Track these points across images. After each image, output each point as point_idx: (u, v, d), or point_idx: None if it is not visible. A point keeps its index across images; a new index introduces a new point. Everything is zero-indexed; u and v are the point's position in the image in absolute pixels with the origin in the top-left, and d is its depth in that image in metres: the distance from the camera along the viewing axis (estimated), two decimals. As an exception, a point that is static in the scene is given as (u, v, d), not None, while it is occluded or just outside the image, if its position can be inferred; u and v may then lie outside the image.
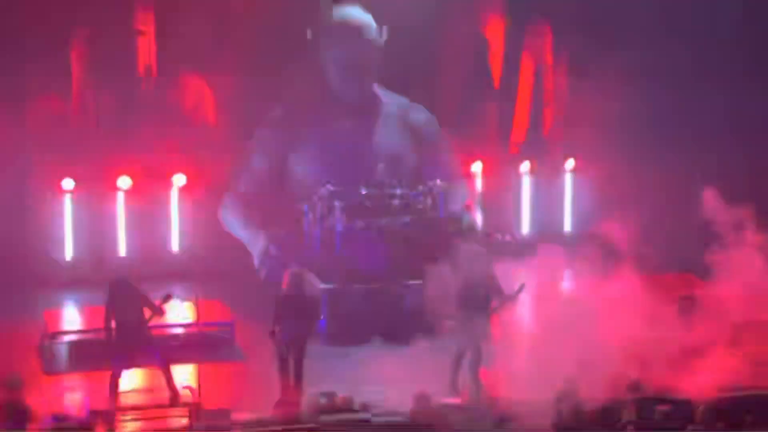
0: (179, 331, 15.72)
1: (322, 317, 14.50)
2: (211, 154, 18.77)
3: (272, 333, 14.12)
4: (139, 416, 13.73)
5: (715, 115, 19.94)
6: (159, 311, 13.76)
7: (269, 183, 18.48)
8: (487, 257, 15.59)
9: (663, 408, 12.87)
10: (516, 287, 15.08)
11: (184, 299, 15.80)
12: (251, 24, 18.52)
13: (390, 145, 18.73)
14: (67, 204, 18.32)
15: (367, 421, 13.55)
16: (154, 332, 14.00)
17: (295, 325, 14.16)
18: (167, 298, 13.70)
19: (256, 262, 17.84)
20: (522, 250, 18.54)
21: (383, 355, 16.12)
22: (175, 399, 13.82)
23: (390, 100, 19.12)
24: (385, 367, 15.62)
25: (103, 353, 14.24)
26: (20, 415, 13.26)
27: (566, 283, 17.27)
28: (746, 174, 18.44)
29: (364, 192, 17.71)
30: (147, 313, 13.74)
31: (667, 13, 19.56)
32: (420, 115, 19.26)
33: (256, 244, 17.85)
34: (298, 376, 14.29)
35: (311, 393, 14.10)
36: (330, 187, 17.74)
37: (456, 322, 14.79)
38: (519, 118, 20.39)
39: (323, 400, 13.88)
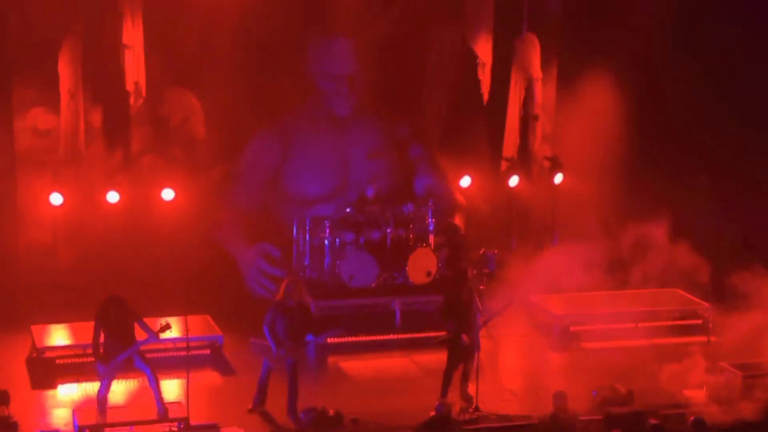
0: (168, 346, 15.66)
1: (315, 327, 14.43)
2: (200, 168, 18.75)
3: (276, 344, 14.08)
4: (128, 431, 13.68)
5: (702, 130, 20.01)
6: (154, 337, 13.72)
7: (260, 198, 18.48)
8: (473, 273, 15.63)
9: (654, 422, 12.85)
10: (504, 303, 15.14)
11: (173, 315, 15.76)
12: (240, 37, 18.51)
13: (380, 159, 18.77)
14: (55, 219, 18.28)
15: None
16: (143, 347, 13.94)
17: (291, 333, 14.14)
18: (165, 327, 13.67)
19: (245, 276, 17.83)
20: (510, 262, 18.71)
21: (374, 369, 16.21)
22: (163, 414, 13.78)
23: (380, 114, 19.17)
24: (376, 381, 15.70)
25: (90, 368, 14.20)
26: (8, 430, 13.23)
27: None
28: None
29: (353, 206, 17.76)
30: (142, 334, 13.69)
31: (657, 29, 19.64)
32: (409, 129, 19.32)
33: (246, 258, 17.83)
34: (294, 382, 14.25)
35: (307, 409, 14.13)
36: (320, 201, 17.83)
37: (447, 337, 14.77)
38: (508, 132, 20.41)
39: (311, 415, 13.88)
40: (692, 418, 12.96)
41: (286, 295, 14.24)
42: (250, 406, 14.34)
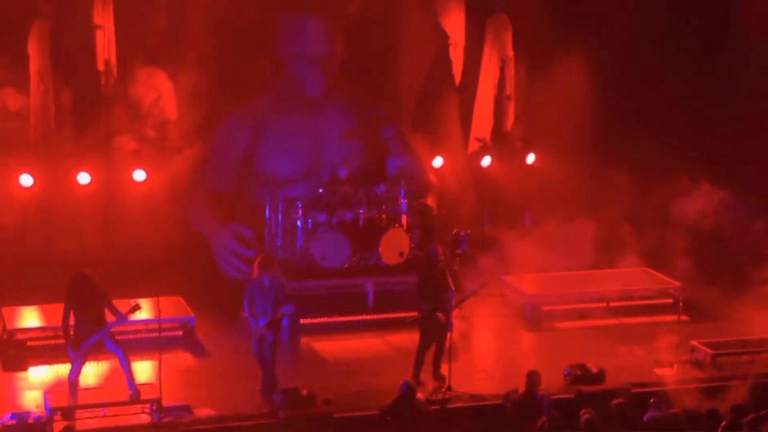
0: (140, 327, 15.63)
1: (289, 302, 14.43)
2: (172, 149, 18.68)
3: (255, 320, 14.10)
4: (100, 413, 13.66)
5: (672, 112, 20.11)
6: (123, 318, 13.66)
7: (232, 179, 18.44)
8: (445, 255, 15.65)
9: (618, 401, 12.92)
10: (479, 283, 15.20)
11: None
12: (211, 18, 18.43)
13: (352, 139, 18.75)
14: (25, 200, 18.19)
15: (328, 415, 13.57)
16: (115, 329, 13.90)
17: (267, 309, 14.14)
18: (135, 308, 13.61)
19: (218, 257, 17.80)
20: (483, 242, 18.79)
21: (347, 349, 16.23)
22: (136, 396, 13.76)
23: (352, 96, 19.15)
24: (349, 361, 15.73)
25: (62, 350, 14.16)
26: (-21, 413, 13.20)
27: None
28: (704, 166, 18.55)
29: (325, 186, 17.74)
30: (109, 316, 13.64)
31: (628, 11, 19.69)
32: (381, 110, 19.31)
33: (219, 240, 17.80)
34: (273, 357, 14.26)
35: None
36: (292, 182, 17.81)
37: (420, 317, 14.81)
38: (480, 112, 20.42)
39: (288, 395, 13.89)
40: (651, 399, 13.05)
41: (260, 272, 14.23)
42: (259, 386, 14.30)
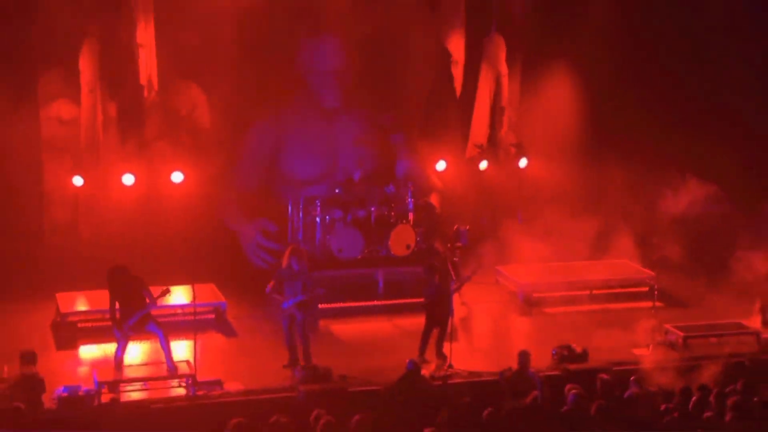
0: (177, 311, 15.59)
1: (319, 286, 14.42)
2: (206, 153, 18.64)
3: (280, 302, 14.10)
4: (142, 386, 13.64)
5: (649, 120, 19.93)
6: (154, 302, 13.65)
7: (258, 180, 18.39)
8: (445, 247, 15.61)
9: (604, 377, 12.85)
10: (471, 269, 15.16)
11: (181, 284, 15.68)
12: (240, 37, 18.37)
13: (364, 145, 18.69)
14: (76, 198, 18.15)
15: (343, 389, 13.51)
16: (155, 312, 13.88)
17: (296, 292, 14.10)
18: (165, 292, 13.61)
19: (246, 249, 17.76)
20: (481, 236, 18.70)
21: (360, 331, 16.19)
22: (173, 371, 13.72)
23: (364, 106, 19.08)
24: (362, 342, 15.68)
25: (108, 331, 14.14)
26: (36, 386, 13.16)
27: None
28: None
29: (341, 187, 17.68)
30: (146, 299, 13.62)
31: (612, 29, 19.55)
32: (391, 119, 19.25)
33: (247, 233, 17.76)
34: (306, 340, 14.23)
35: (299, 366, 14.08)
36: (312, 183, 17.77)
37: (425, 302, 14.76)
38: (478, 121, 20.34)
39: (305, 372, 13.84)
40: (632, 377, 12.97)
41: (291, 259, 14.19)
42: (285, 362, 14.26)
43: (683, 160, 18.78)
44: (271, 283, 14.25)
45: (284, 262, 14.30)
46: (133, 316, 13.58)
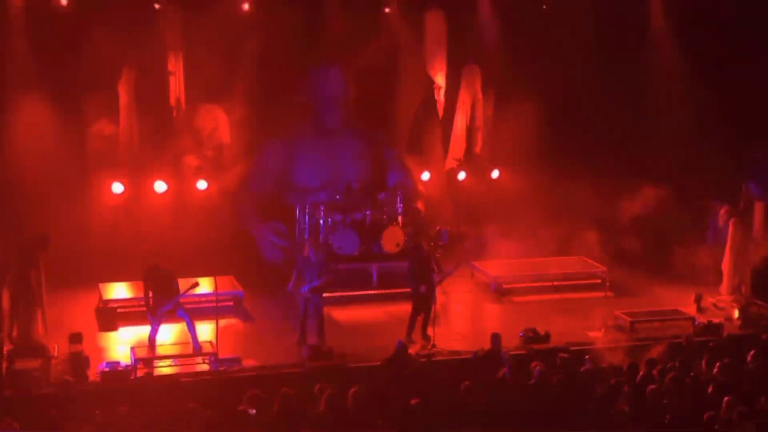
0: (201, 299, 15.63)
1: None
2: (226, 165, 18.69)
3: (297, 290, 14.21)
4: (172, 363, 13.70)
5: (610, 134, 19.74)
6: (180, 294, 13.72)
7: (271, 188, 18.43)
8: (429, 245, 15.65)
9: (564, 356, 12.94)
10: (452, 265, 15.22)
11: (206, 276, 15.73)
12: (256, 66, 18.41)
13: (361, 159, 18.75)
14: (117, 202, 18.17)
15: (343, 365, 13.58)
16: (183, 300, 13.94)
17: (312, 278, 14.21)
18: (194, 285, 13.69)
19: (260, 246, 17.80)
20: (459, 236, 18.79)
21: (356, 317, 16.24)
22: (198, 350, 13.79)
23: (362, 126, 19.14)
24: (358, 326, 15.73)
25: (143, 316, 14.19)
26: (82, 362, 13.24)
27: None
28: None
29: (341, 194, 17.74)
30: (175, 291, 13.70)
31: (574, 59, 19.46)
32: (383, 136, 19.32)
33: (261, 233, 17.80)
34: (320, 318, 14.31)
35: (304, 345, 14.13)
36: (316, 190, 17.84)
37: (412, 291, 14.83)
38: (457, 139, 20.42)
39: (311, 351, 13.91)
40: (587, 356, 13.05)
41: (310, 251, 14.27)
42: (297, 339, 14.32)
43: (636, 169, 18.78)
44: (292, 281, 14.31)
45: (305, 252, 14.40)
46: (165, 305, 13.67)
